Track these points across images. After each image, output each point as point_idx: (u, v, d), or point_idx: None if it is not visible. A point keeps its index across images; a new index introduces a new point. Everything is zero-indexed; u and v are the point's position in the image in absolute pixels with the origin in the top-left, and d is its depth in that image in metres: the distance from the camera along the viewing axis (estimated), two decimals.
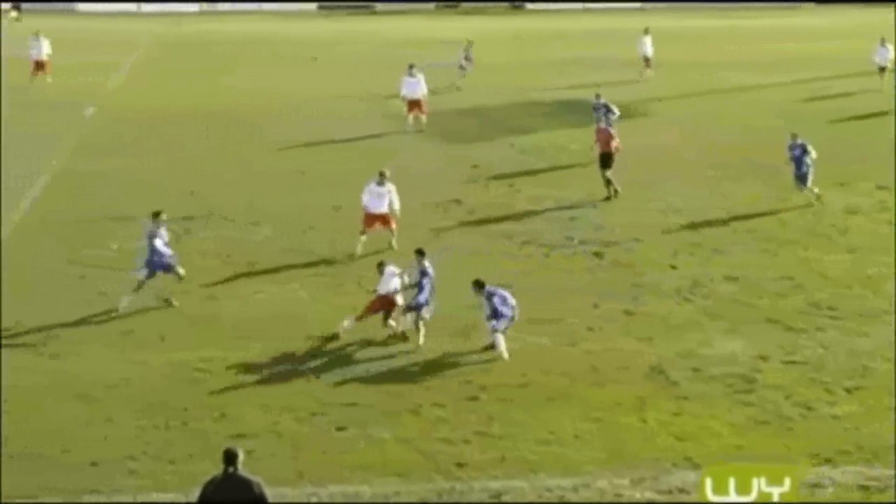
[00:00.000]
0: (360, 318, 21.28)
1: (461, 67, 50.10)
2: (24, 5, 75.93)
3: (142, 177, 33.20)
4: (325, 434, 17.71)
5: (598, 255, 26.26)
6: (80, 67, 52.47)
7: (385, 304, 21.47)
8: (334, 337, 21.08)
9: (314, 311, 22.34)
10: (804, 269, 25.36)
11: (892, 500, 15.83)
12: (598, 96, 36.41)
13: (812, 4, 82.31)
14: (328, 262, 25.57)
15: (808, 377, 19.73)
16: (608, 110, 35.05)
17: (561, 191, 31.38)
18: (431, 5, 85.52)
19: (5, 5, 75.27)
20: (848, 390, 19.21)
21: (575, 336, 21.52)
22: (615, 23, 71.88)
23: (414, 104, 39.91)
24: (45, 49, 49.22)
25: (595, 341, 21.32)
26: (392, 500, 15.86)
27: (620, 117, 35.10)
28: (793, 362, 20.37)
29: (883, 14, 63.85)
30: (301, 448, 17.26)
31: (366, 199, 26.05)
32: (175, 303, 22.83)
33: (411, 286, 21.33)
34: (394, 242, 25.96)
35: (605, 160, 31.21)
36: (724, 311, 22.86)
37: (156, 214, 23.26)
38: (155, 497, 15.88)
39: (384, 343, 20.97)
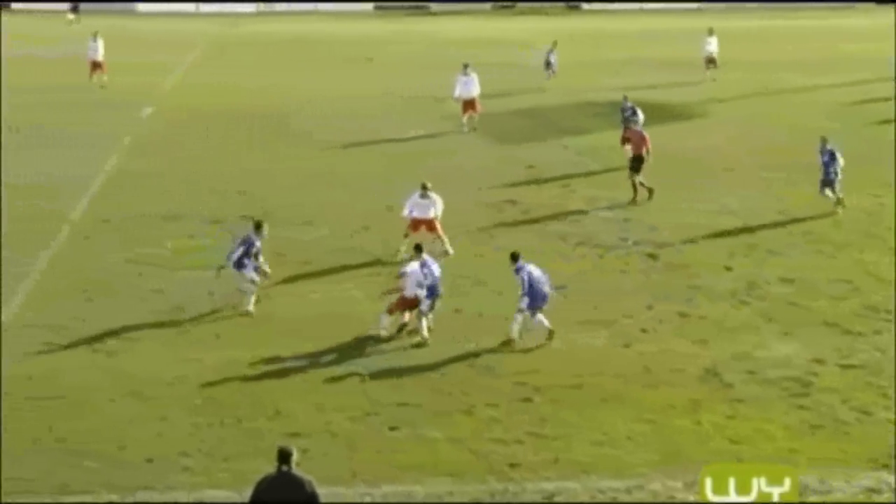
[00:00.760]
0: (391, 312, 21.36)
1: (548, 67, 50.63)
2: (85, 6, 76.58)
3: (195, 176, 33.51)
4: (378, 434, 17.74)
5: (652, 256, 26.16)
6: (139, 67, 53.10)
7: (410, 302, 21.54)
8: (390, 338, 21.16)
9: (368, 311, 22.35)
10: (860, 271, 25.13)
11: None
12: (626, 98, 36.24)
13: (871, 4, 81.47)
14: (382, 262, 25.60)
15: (865, 381, 19.51)
16: (633, 112, 34.20)
17: (615, 192, 31.25)
18: (487, 5, 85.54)
19: (63, 6, 76.08)
20: None
21: (629, 337, 21.44)
22: (671, 23, 71.71)
23: (468, 104, 40.00)
24: (100, 50, 49.81)
25: (649, 343, 21.22)
26: (445, 501, 15.86)
27: (645, 122, 34.26)
28: (849, 366, 20.16)
29: None
30: (355, 448, 17.28)
31: (407, 211, 25.90)
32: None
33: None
34: (448, 247, 25.87)
35: (637, 164, 30.71)
36: (780, 313, 22.68)
37: (258, 225, 23.06)
38: (208, 494, 15.96)
39: (436, 344, 20.97)
